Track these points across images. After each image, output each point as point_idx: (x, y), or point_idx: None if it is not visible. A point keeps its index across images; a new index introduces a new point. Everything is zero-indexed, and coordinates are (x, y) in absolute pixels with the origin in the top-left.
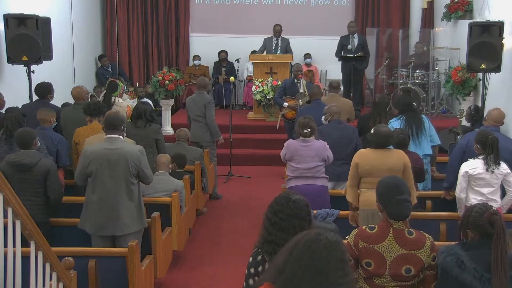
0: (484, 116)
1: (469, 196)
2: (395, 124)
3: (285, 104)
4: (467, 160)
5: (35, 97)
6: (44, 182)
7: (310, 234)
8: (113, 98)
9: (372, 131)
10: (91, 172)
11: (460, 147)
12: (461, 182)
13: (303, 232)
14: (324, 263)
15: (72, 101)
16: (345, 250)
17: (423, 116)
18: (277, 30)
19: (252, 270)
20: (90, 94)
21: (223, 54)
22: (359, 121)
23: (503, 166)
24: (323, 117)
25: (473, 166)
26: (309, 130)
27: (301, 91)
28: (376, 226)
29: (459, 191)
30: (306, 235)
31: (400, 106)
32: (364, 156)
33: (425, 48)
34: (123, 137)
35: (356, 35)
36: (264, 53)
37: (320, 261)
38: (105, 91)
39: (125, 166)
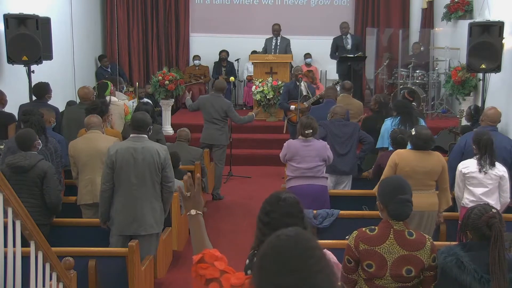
0: (481, 117)
1: (464, 195)
2: (388, 122)
3: (292, 107)
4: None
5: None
6: (41, 184)
7: (271, 241)
8: (108, 98)
9: (413, 133)
10: (117, 172)
11: (458, 148)
12: (457, 182)
13: (264, 243)
14: (294, 260)
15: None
16: (309, 236)
17: (420, 119)
18: (276, 29)
19: (249, 272)
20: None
21: (223, 54)
22: (364, 122)
23: (499, 168)
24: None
25: (466, 165)
26: (311, 130)
27: (304, 93)
28: (376, 227)
29: (456, 189)
30: (268, 244)
31: (398, 108)
32: (404, 158)
33: (422, 49)
34: (148, 137)
35: (349, 36)
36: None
37: (290, 260)
38: (96, 93)
39: (153, 163)
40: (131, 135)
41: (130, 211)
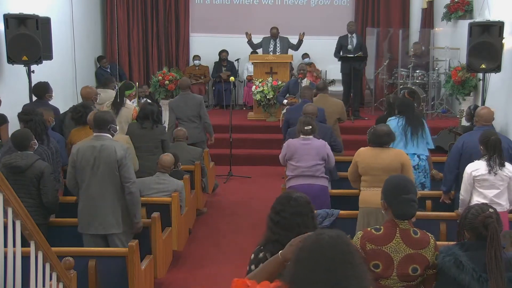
0: (474, 118)
1: (473, 198)
2: (393, 122)
3: (285, 101)
4: (464, 162)
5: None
6: (38, 184)
7: (312, 237)
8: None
9: (371, 130)
10: (78, 170)
11: (456, 149)
12: (465, 184)
13: (305, 237)
14: (330, 261)
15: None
16: (349, 241)
17: (423, 119)
18: (274, 33)
19: (253, 267)
20: (98, 95)
21: (224, 54)
22: (377, 122)
23: (509, 168)
24: None
25: (476, 167)
26: (310, 127)
27: None
28: (381, 227)
29: (463, 191)
30: (308, 239)
31: (401, 108)
32: (360, 155)
33: (423, 48)
34: (112, 136)
35: (354, 35)
36: (260, 52)
37: (326, 260)
38: (119, 89)
39: (110, 162)
40: (94, 134)
41: (90, 210)
